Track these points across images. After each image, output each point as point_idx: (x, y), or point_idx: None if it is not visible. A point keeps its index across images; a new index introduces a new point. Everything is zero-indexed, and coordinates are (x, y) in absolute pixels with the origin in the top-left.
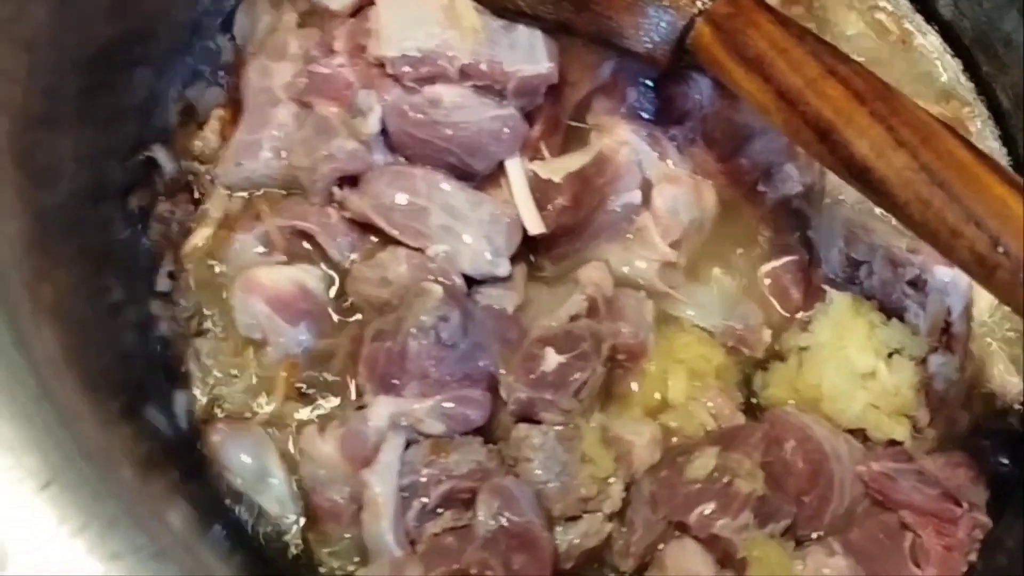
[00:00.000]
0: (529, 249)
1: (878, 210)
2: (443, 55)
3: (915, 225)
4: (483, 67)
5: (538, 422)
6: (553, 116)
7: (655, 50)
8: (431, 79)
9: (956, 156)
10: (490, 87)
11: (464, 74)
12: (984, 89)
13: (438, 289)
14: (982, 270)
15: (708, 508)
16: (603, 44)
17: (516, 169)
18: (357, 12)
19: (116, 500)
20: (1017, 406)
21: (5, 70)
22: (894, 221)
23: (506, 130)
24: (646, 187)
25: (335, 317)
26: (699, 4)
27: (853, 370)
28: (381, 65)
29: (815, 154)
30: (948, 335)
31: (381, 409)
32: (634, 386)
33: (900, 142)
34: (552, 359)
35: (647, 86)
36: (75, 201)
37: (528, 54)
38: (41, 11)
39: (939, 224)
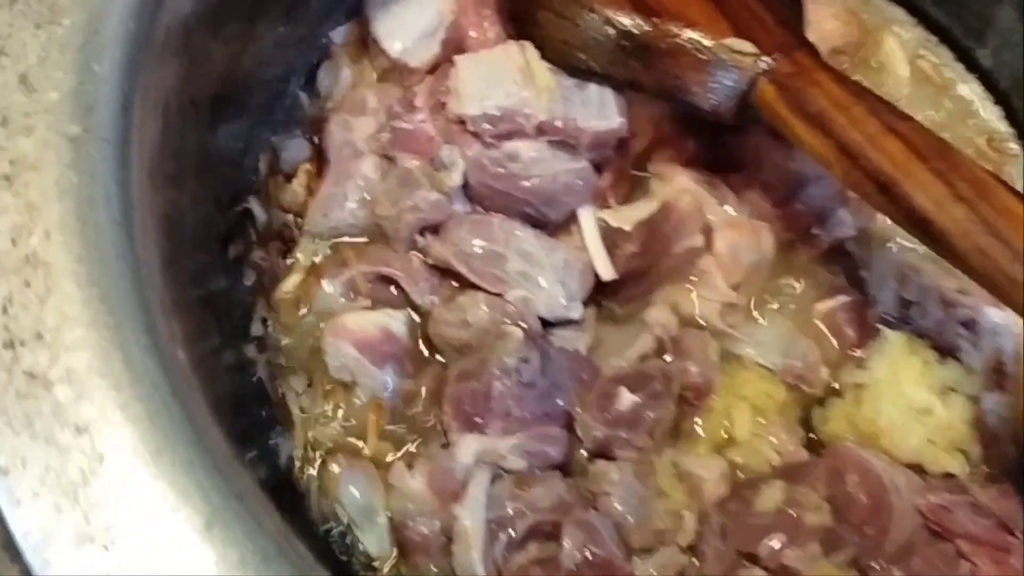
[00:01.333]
0: (599, 292)
1: (928, 251)
2: (520, 113)
3: (974, 274)
4: (558, 124)
5: (613, 458)
6: (620, 167)
7: (720, 107)
8: (509, 135)
9: (1012, 210)
10: (564, 142)
11: (540, 130)
12: (1023, 134)
13: (518, 332)
14: None
15: (777, 539)
16: (670, 99)
17: (588, 218)
18: (435, 69)
19: (266, 536)
20: None
21: (146, 136)
22: (945, 263)
23: (579, 182)
24: (707, 232)
25: (418, 358)
26: (763, 64)
27: (909, 406)
28: (462, 122)
29: (876, 205)
30: (1001, 375)
31: (467, 447)
32: (701, 422)
33: (959, 196)
34: (626, 398)
35: (705, 135)
36: (189, 251)
37: (600, 110)
38: (172, 76)
39: (998, 273)
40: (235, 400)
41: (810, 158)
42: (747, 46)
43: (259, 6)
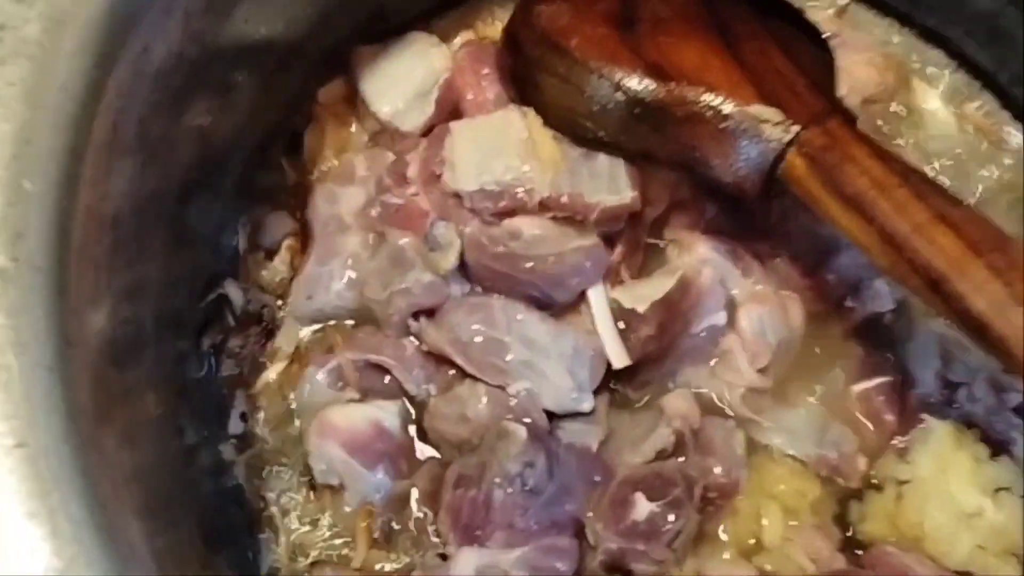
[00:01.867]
0: (611, 376)
1: None
2: (522, 188)
3: None
4: (564, 200)
5: (629, 572)
6: (634, 238)
7: (744, 180)
8: (510, 212)
9: None
10: (571, 218)
11: (544, 207)
12: None
13: (522, 431)
14: None
15: None
16: (687, 171)
17: (600, 300)
18: (429, 131)
19: None
20: None
21: (92, 256)
22: None
23: (588, 262)
24: (730, 307)
25: (412, 455)
26: (791, 133)
27: (958, 509)
28: (458, 196)
29: (926, 301)
30: None
31: (466, 561)
32: (726, 526)
33: (1020, 299)
34: (643, 507)
35: (726, 200)
36: (156, 354)
37: (610, 183)
38: (123, 182)
39: None
40: (207, 503)
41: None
42: (775, 114)
43: (232, 77)
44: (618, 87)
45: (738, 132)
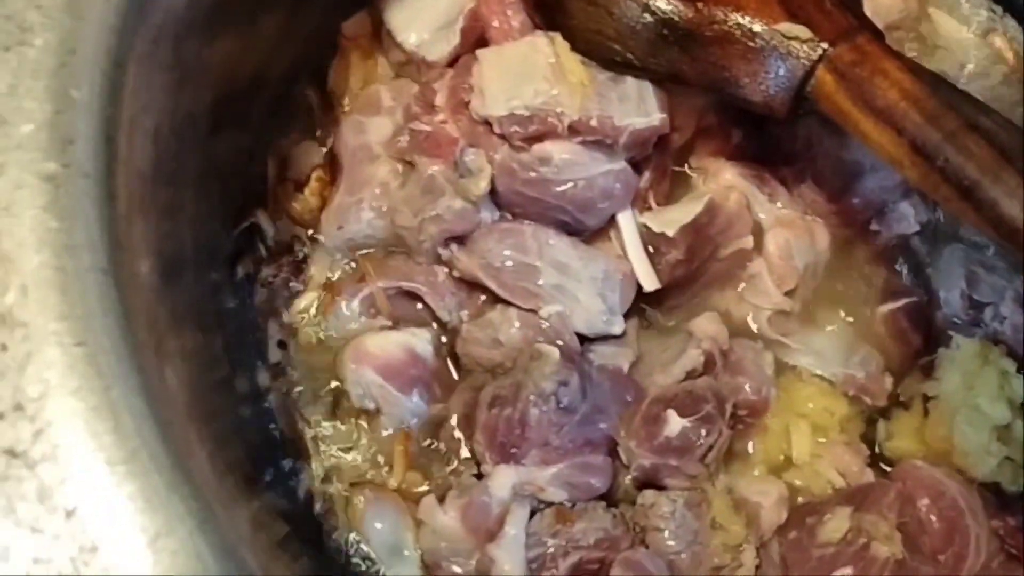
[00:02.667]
0: (641, 299)
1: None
2: (552, 112)
3: None
4: (593, 123)
5: (663, 487)
6: (661, 164)
7: (773, 100)
8: (540, 137)
9: None
10: (600, 142)
11: (574, 130)
12: None
13: (555, 352)
14: None
15: (845, 573)
16: (716, 93)
17: (629, 224)
18: (454, 62)
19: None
20: None
21: (139, 168)
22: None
23: (618, 185)
24: (757, 232)
25: (447, 380)
26: (820, 50)
27: (986, 422)
28: (487, 123)
29: (955, 211)
30: None
31: (503, 479)
32: (756, 444)
33: None
34: (675, 423)
35: (752, 125)
36: (190, 282)
37: (638, 106)
38: (163, 96)
39: None
40: (247, 430)
41: (876, 155)
42: (803, 31)
43: (260, 2)
44: (646, 8)
45: (767, 50)
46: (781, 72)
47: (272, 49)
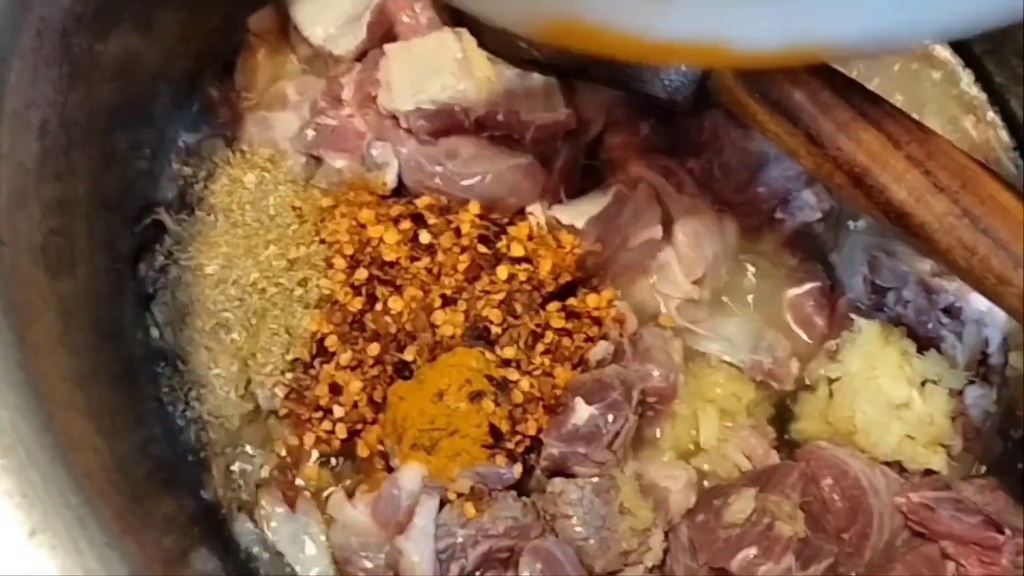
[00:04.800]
0: None
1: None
2: (458, 106)
3: (959, 271)
4: (500, 117)
5: (572, 475)
6: (571, 158)
7: (676, 94)
8: (446, 131)
9: (998, 200)
10: (507, 136)
11: (480, 125)
12: (997, 100)
13: None
14: None
15: (750, 553)
16: (620, 88)
17: (538, 218)
18: (362, 56)
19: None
20: None
21: (21, 162)
22: None
23: (525, 179)
24: (667, 222)
25: None
26: None
27: (887, 401)
28: (394, 117)
29: (848, 197)
30: (985, 367)
31: (413, 472)
32: (665, 430)
33: (939, 187)
34: (583, 411)
35: (659, 118)
36: (89, 274)
37: (544, 102)
38: (50, 91)
39: (985, 271)
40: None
41: (774, 145)
42: None
43: None
44: None
45: None
46: (682, 67)
47: (173, 44)
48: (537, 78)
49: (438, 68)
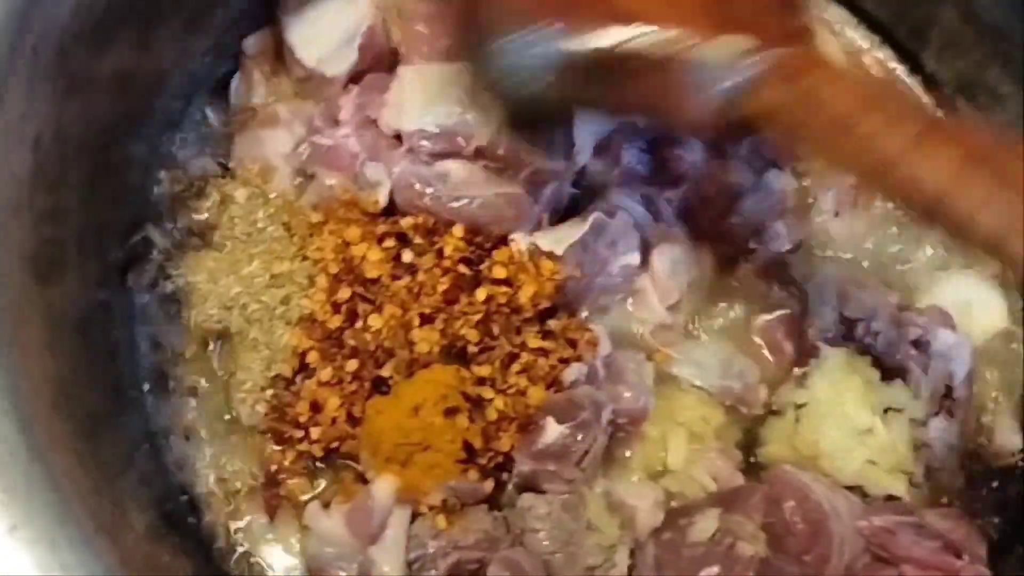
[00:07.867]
0: None
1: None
2: (460, 133)
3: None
4: (500, 151)
5: (542, 491)
6: (558, 190)
7: (711, 120)
8: (445, 155)
9: None
10: (503, 169)
11: (479, 154)
12: None
13: None
14: None
15: (712, 571)
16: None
17: (519, 244)
18: (355, 78)
19: None
20: (1018, 462)
21: (14, 173)
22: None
23: (512, 210)
24: (644, 249)
25: None
26: (767, 61)
27: (851, 427)
28: (396, 137)
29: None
30: (950, 400)
31: (387, 484)
32: (635, 451)
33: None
34: (553, 430)
35: (641, 148)
36: (77, 284)
37: (548, 147)
38: (45, 105)
39: None
40: (127, 435)
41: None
42: (742, 42)
43: (154, 16)
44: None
45: (696, 70)
46: (720, 90)
47: (169, 63)
48: (545, 124)
49: (448, 94)
